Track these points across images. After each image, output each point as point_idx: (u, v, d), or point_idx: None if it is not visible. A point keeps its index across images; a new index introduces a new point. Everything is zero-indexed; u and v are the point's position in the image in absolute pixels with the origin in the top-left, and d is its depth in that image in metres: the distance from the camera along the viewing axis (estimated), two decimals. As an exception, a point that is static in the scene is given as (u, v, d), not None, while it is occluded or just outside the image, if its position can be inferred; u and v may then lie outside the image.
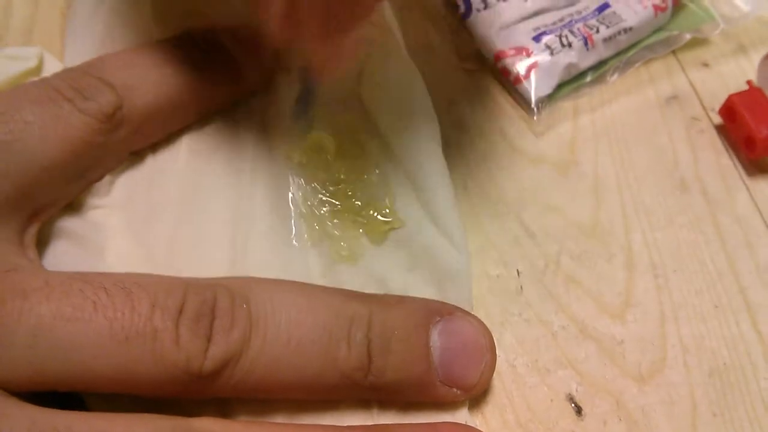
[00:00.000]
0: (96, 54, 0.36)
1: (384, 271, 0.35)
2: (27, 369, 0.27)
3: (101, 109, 0.33)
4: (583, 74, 0.44)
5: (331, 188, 0.37)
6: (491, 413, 0.33)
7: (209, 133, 0.38)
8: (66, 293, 0.27)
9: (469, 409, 0.33)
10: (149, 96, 0.35)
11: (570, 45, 0.43)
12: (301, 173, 0.37)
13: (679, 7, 0.46)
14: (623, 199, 0.40)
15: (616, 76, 0.44)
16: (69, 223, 0.34)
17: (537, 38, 0.43)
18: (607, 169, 0.41)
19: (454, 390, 0.32)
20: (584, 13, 0.44)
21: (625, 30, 0.44)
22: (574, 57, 0.43)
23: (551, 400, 0.34)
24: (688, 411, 0.34)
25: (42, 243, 0.33)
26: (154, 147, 0.37)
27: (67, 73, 0.34)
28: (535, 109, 0.42)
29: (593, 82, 0.44)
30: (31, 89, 0.33)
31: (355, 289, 0.33)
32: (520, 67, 0.42)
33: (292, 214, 0.36)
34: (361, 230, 0.36)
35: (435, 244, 0.36)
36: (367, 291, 0.33)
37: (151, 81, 0.35)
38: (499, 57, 0.43)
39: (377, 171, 0.37)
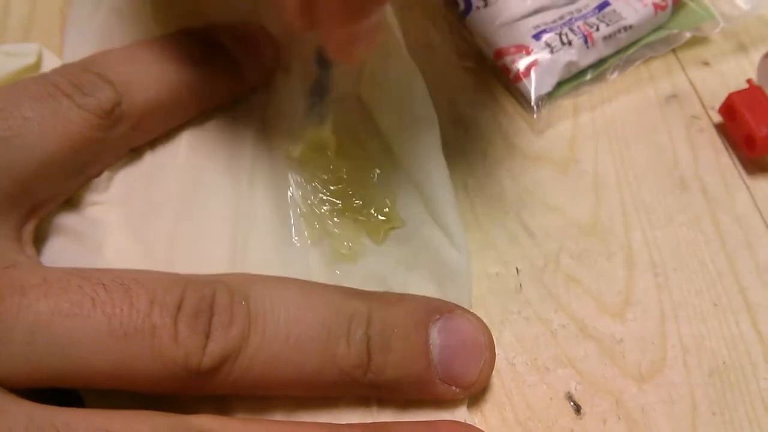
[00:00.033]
0: (95, 50, 0.36)
1: (384, 269, 0.35)
2: (25, 365, 0.26)
3: (100, 105, 0.33)
4: (583, 72, 0.44)
5: (331, 187, 0.37)
6: (490, 411, 0.33)
7: (208, 130, 0.38)
8: (64, 289, 0.27)
9: (468, 407, 0.33)
10: (148, 92, 0.35)
11: (570, 43, 0.43)
12: (302, 172, 0.37)
13: (679, 6, 0.46)
14: (623, 198, 0.40)
15: (616, 74, 0.44)
16: (67, 220, 0.34)
17: (537, 36, 0.43)
18: (606, 168, 0.41)
19: (453, 388, 0.32)
20: (584, 11, 0.44)
21: (625, 28, 0.44)
22: (574, 55, 0.43)
23: (550, 399, 0.34)
24: (688, 410, 0.34)
25: (40, 239, 0.33)
26: (153, 144, 0.37)
27: (65, 69, 0.34)
28: (535, 108, 0.42)
29: (593, 81, 0.44)
30: (30, 85, 0.33)
31: (355, 287, 0.33)
32: (520, 65, 0.42)
33: (292, 213, 0.36)
34: (361, 229, 0.36)
35: (435, 243, 0.36)
36: (367, 289, 0.33)
37: (150, 77, 0.35)
38: (499, 55, 0.43)
39: (378, 170, 0.37)
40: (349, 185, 0.37)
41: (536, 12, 0.44)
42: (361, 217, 0.36)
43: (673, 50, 0.46)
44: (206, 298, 0.29)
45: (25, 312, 0.26)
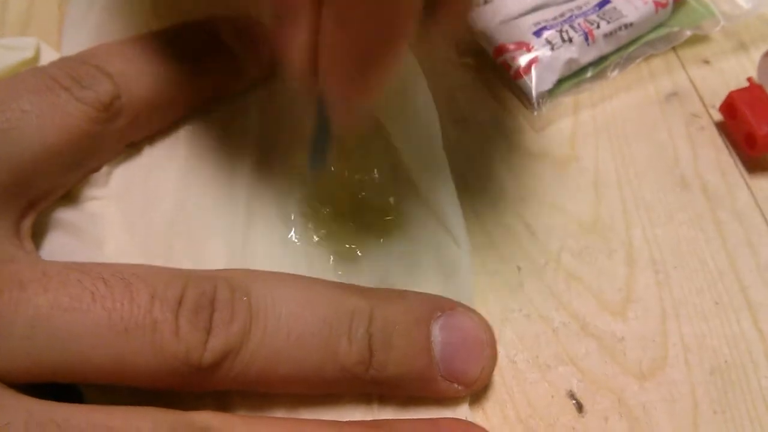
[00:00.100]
0: (94, 44, 0.36)
1: (386, 266, 0.35)
2: (24, 360, 0.26)
3: (99, 98, 0.33)
4: (583, 70, 0.43)
5: (333, 185, 0.36)
6: (492, 409, 0.33)
7: (208, 125, 0.38)
8: (63, 283, 0.27)
9: (469, 404, 0.32)
10: (147, 86, 0.35)
11: (570, 40, 0.42)
12: (305, 169, 0.37)
13: (680, 4, 0.46)
14: (623, 195, 0.40)
15: (616, 72, 0.44)
16: (66, 215, 0.33)
17: (537, 33, 0.43)
18: (607, 165, 0.41)
19: (455, 385, 0.31)
20: (585, 9, 0.44)
21: (626, 26, 0.44)
22: (574, 52, 0.42)
23: (552, 397, 0.33)
24: (689, 409, 0.33)
25: (39, 234, 0.33)
26: (152, 139, 0.37)
27: (64, 62, 0.34)
28: (536, 105, 0.42)
29: (594, 78, 0.44)
30: (28, 78, 0.32)
31: (357, 283, 0.33)
32: (521, 62, 0.42)
33: (293, 210, 0.36)
34: (362, 227, 0.36)
35: (436, 241, 0.36)
36: (368, 286, 0.33)
37: (149, 71, 0.35)
38: (499, 52, 0.43)
39: (380, 168, 0.37)
40: (352, 183, 0.36)
41: (537, 9, 0.44)
42: (362, 215, 0.36)
43: (674, 48, 0.46)
44: (207, 293, 0.28)
45: (25, 306, 0.26)
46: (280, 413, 0.31)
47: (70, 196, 0.34)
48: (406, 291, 0.33)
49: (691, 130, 0.43)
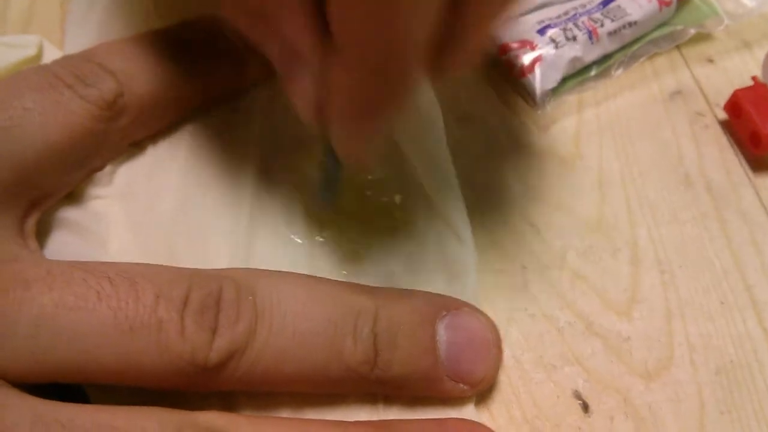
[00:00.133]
0: (96, 42, 0.36)
1: (390, 266, 0.35)
2: (29, 359, 0.26)
3: (102, 96, 0.32)
4: (587, 68, 0.43)
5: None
6: (498, 409, 0.33)
7: (211, 124, 0.38)
8: (68, 282, 0.27)
9: (475, 404, 0.32)
10: (150, 84, 0.34)
11: (575, 38, 0.42)
12: (312, 169, 0.36)
13: (684, 2, 0.46)
14: (628, 194, 0.40)
15: (620, 70, 0.44)
16: (70, 214, 0.33)
17: (541, 31, 0.43)
18: (611, 164, 0.41)
19: (461, 385, 0.31)
20: (589, 7, 0.44)
21: (630, 24, 0.43)
22: (578, 51, 0.42)
23: (558, 397, 0.33)
24: (696, 409, 0.33)
25: (43, 233, 0.33)
26: (155, 137, 0.36)
27: (67, 60, 0.34)
28: (540, 103, 0.42)
29: (598, 77, 0.43)
30: (31, 76, 0.32)
31: (363, 283, 0.32)
32: (525, 60, 0.42)
33: (298, 209, 0.36)
34: (368, 226, 0.36)
35: (441, 240, 0.35)
36: (373, 286, 0.33)
37: (152, 69, 0.35)
38: (503, 50, 0.43)
39: (385, 167, 0.37)
40: (356, 182, 0.36)
41: (541, 7, 0.44)
42: (367, 214, 0.36)
43: (678, 47, 0.46)
44: (213, 293, 0.28)
45: (29, 305, 0.26)
46: (285, 413, 0.31)
47: (73, 195, 0.34)
48: (411, 290, 0.33)
49: (695, 128, 0.43)
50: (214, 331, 0.28)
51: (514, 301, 0.36)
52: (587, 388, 0.34)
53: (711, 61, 0.46)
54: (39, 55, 0.38)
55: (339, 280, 0.32)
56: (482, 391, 0.33)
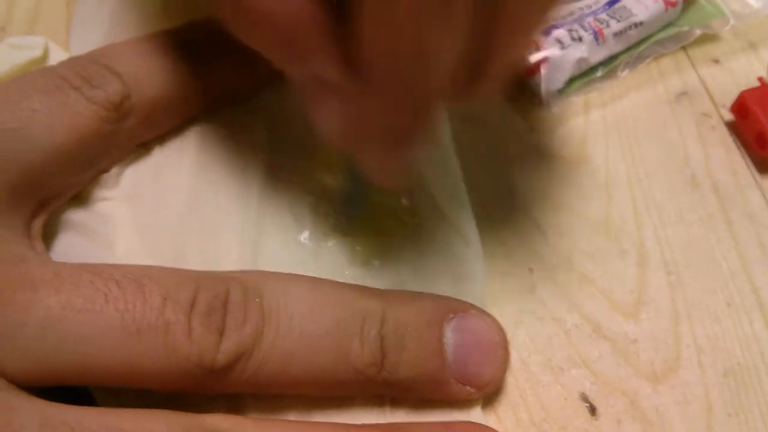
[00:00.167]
0: (102, 44, 0.36)
1: (398, 268, 0.35)
2: (36, 362, 0.26)
3: (108, 97, 0.32)
4: (593, 69, 0.43)
5: (352, 187, 0.36)
6: (505, 412, 0.33)
7: (218, 125, 0.37)
8: (76, 284, 0.27)
9: (482, 407, 0.32)
10: (157, 86, 0.34)
11: (580, 39, 0.42)
12: (322, 170, 0.36)
13: (690, 3, 0.46)
14: (634, 195, 0.40)
15: (626, 71, 0.44)
16: (76, 215, 0.33)
17: (547, 32, 0.42)
18: (617, 165, 0.41)
19: (468, 388, 0.31)
20: (595, 7, 0.44)
21: (636, 25, 0.43)
22: (584, 51, 0.42)
23: (565, 399, 0.33)
24: (703, 411, 0.33)
25: (49, 235, 0.32)
26: (162, 138, 0.36)
27: (74, 62, 0.34)
28: (546, 104, 0.41)
29: (604, 77, 0.43)
30: (38, 77, 0.32)
31: (370, 285, 0.32)
32: (530, 61, 0.42)
33: (306, 211, 0.36)
34: (375, 227, 0.36)
35: (448, 242, 0.35)
36: (380, 287, 0.33)
37: (159, 70, 0.35)
38: (509, 51, 0.43)
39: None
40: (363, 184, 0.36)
41: (546, 8, 0.44)
42: (374, 216, 0.36)
43: (683, 48, 0.46)
44: (220, 295, 0.28)
45: (36, 307, 0.26)
46: (292, 416, 0.31)
47: (80, 197, 0.34)
48: (418, 293, 0.33)
49: (701, 129, 0.43)
50: (221, 333, 0.28)
51: (521, 304, 0.36)
52: (594, 390, 0.33)
53: (717, 61, 0.46)
54: (45, 57, 0.38)
55: (346, 282, 0.32)
56: (489, 394, 0.33)
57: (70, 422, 0.25)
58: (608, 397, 0.33)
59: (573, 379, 0.34)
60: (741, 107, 0.42)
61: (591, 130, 0.42)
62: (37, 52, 0.37)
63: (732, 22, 0.45)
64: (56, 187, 0.32)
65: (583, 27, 0.43)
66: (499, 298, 0.35)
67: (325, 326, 0.29)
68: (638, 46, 0.44)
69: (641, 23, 0.43)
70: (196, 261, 0.33)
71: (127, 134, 0.34)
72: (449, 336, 0.31)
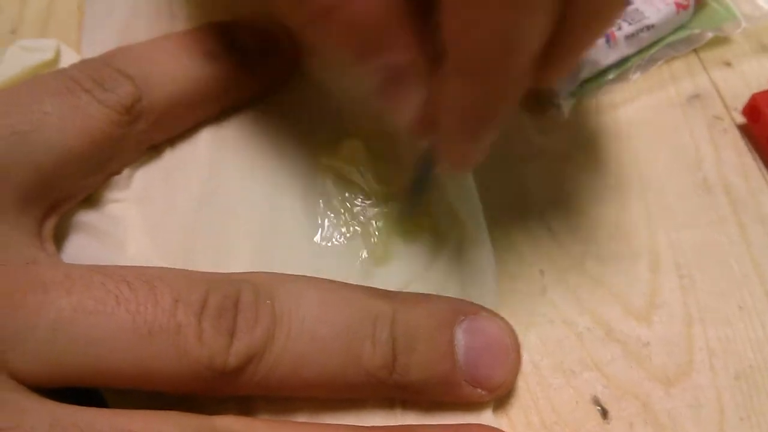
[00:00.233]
0: (114, 46, 0.36)
1: (409, 270, 0.35)
2: (47, 364, 0.26)
3: (120, 100, 0.32)
4: (605, 72, 0.43)
5: (361, 189, 0.36)
6: (516, 415, 0.33)
7: (228, 128, 0.38)
8: (87, 286, 0.27)
9: (493, 410, 0.32)
10: (168, 89, 0.34)
11: (592, 42, 0.42)
12: (334, 171, 0.36)
13: (701, 5, 0.46)
14: (646, 198, 0.39)
15: (638, 74, 0.44)
16: (87, 217, 0.33)
17: (558, 35, 0.42)
18: (629, 168, 0.40)
19: (479, 390, 0.31)
20: (606, 10, 0.44)
21: (648, 27, 0.43)
22: (596, 54, 0.42)
23: (576, 403, 0.33)
24: (716, 414, 0.33)
25: (60, 237, 0.33)
26: (173, 140, 0.37)
27: (85, 64, 0.34)
28: (558, 107, 0.41)
29: (615, 80, 0.43)
30: (49, 80, 0.32)
31: (380, 287, 0.32)
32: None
33: (321, 211, 0.36)
34: (388, 229, 0.36)
35: (459, 244, 0.35)
36: (391, 289, 0.32)
37: (170, 73, 0.35)
38: (519, 54, 0.43)
39: (406, 172, 0.37)
40: (381, 187, 0.36)
41: (558, 10, 0.44)
42: (388, 218, 0.36)
43: (695, 50, 0.46)
44: (231, 296, 0.28)
45: (47, 309, 0.26)
46: (302, 418, 0.31)
47: (91, 199, 0.34)
48: (429, 295, 0.33)
49: (713, 132, 0.42)
50: (232, 335, 0.28)
51: (532, 307, 0.35)
52: (606, 394, 0.33)
53: (728, 64, 0.46)
54: (56, 59, 0.38)
55: (358, 283, 0.32)
56: (500, 397, 0.32)
57: (80, 424, 0.25)
58: (620, 400, 0.33)
59: (585, 383, 0.34)
60: (753, 110, 0.41)
61: (603, 132, 0.42)
62: (49, 55, 0.37)
63: (743, 24, 0.45)
64: (67, 190, 0.32)
65: (594, 29, 0.42)
66: (510, 301, 0.35)
67: (337, 328, 0.29)
68: (650, 49, 0.44)
69: (653, 26, 0.43)
70: (206, 262, 0.33)
71: (138, 137, 0.34)
72: (460, 338, 0.31)
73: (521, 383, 0.33)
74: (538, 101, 0.42)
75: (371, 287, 0.32)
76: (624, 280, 0.37)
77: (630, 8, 0.43)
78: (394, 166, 0.37)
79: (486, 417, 0.32)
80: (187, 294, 0.28)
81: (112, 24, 0.39)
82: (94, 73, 0.33)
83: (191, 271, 0.30)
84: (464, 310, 0.32)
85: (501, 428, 0.30)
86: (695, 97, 0.44)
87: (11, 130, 0.30)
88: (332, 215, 0.36)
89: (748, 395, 0.34)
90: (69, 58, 0.38)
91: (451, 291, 0.34)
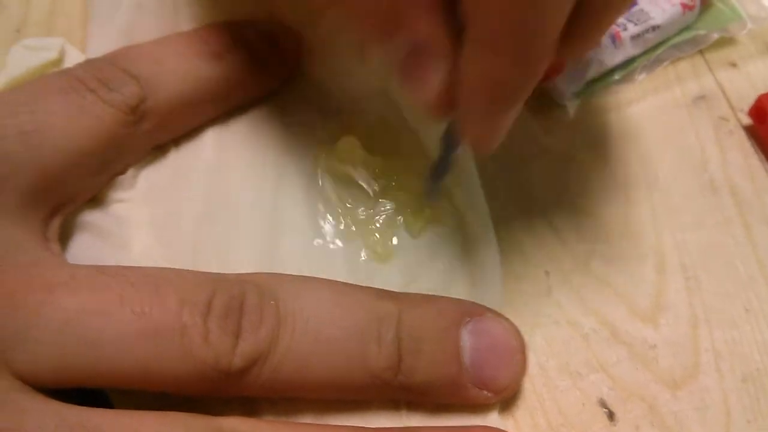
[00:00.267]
0: (118, 46, 0.36)
1: (415, 270, 0.35)
2: (52, 364, 0.26)
3: (125, 100, 0.32)
4: (611, 72, 0.43)
5: (364, 184, 0.36)
6: (522, 416, 0.32)
7: (233, 128, 0.38)
8: (92, 287, 0.27)
9: (499, 412, 0.32)
10: (173, 89, 0.34)
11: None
12: (332, 170, 0.36)
13: (707, 6, 0.45)
14: (652, 199, 0.39)
15: (643, 75, 0.44)
16: (92, 217, 0.33)
17: (564, 35, 0.42)
18: (635, 169, 0.40)
19: (485, 392, 0.31)
20: (612, 11, 0.44)
21: (653, 28, 0.43)
22: (602, 54, 0.42)
23: (583, 405, 0.33)
24: (722, 417, 0.33)
25: (65, 237, 0.32)
26: (178, 141, 0.36)
27: (90, 64, 0.34)
28: (563, 107, 0.41)
29: (621, 81, 0.43)
30: (55, 80, 0.32)
31: (385, 287, 0.32)
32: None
33: (323, 211, 0.36)
34: (393, 229, 0.35)
35: (465, 245, 0.35)
36: (397, 290, 0.32)
37: (175, 73, 0.35)
38: (525, 54, 0.42)
39: (411, 168, 0.37)
40: (383, 182, 0.36)
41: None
42: (391, 216, 0.36)
43: (701, 51, 0.45)
44: (236, 297, 0.28)
45: (52, 309, 0.26)
46: (307, 419, 0.30)
47: (96, 199, 0.34)
48: (434, 296, 0.33)
49: (719, 133, 0.42)
50: (237, 336, 0.27)
51: (537, 308, 0.35)
52: (612, 396, 0.33)
53: (734, 65, 0.45)
54: (61, 59, 0.38)
55: (362, 284, 0.32)
56: (506, 398, 0.32)
57: (87, 425, 0.25)
58: (626, 402, 0.33)
59: (591, 384, 0.33)
60: (759, 111, 0.41)
61: (608, 133, 0.42)
62: (53, 54, 0.37)
63: (749, 25, 0.45)
64: (72, 190, 0.32)
65: (600, 30, 0.42)
66: (515, 302, 0.35)
67: (342, 329, 0.29)
68: (655, 50, 0.44)
69: (658, 26, 0.43)
70: (211, 262, 0.33)
71: (143, 137, 0.34)
72: (466, 339, 0.31)
73: (527, 385, 0.33)
74: (544, 101, 0.42)
75: (376, 288, 0.32)
76: (629, 281, 0.36)
77: (635, 9, 0.43)
78: (393, 164, 0.37)
79: (492, 419, 0.31)
80: (193, 295, 0.27)
81: (117, 23, 0.39)
82: (99, 72, 0.33)
83: (196, 271, 0.30)
84: (470, 311, 0.32)
85: (507, 430, 0.30)
86: (701, 98, 0.44)
87: (16, 130, 0.30)
88: (332, 215, 0.36)
89: (755, 398, 0.34)
90: (74, 58, 0.38)
91: (457, 291, 0.34)
